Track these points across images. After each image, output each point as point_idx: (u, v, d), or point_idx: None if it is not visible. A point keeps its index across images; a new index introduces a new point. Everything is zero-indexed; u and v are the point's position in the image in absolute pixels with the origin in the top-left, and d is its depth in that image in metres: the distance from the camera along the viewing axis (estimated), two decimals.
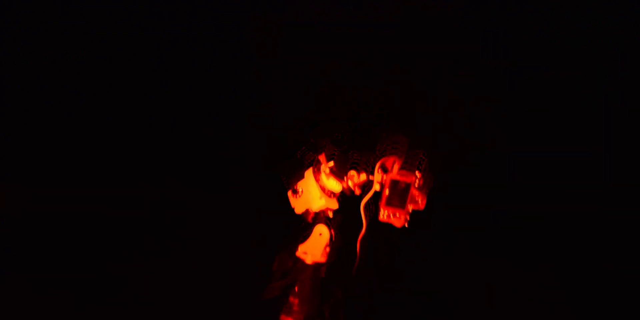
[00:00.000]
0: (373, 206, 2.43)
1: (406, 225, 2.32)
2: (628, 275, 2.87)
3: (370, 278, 2.51)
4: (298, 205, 2.44)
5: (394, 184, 2.32)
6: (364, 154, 2.40)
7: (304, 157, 2.55)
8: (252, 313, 2.69)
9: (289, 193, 2.44)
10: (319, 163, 2.44)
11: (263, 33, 3.20)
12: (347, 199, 2.45)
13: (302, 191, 2.42)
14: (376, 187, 2.37)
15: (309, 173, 2.45)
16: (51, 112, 3.24)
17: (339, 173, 2.38)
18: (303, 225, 2.39)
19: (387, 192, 2.32)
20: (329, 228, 2.33)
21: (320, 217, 2.38)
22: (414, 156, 2.38)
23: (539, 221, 2.99)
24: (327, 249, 2.32)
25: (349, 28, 3.17)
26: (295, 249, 2.34)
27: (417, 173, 2.32)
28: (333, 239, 2.32)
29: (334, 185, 2.42)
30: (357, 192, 2.42)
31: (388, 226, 2.37)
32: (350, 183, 2.38)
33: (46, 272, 3.02)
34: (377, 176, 2.37)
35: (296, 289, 2.26)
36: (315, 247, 2.31)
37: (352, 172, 2.36)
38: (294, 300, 2.25)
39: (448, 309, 2.84)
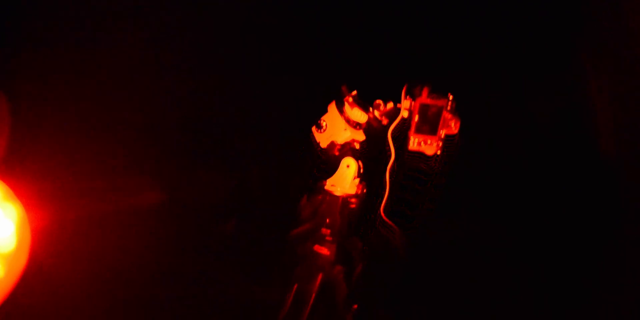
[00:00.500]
0: (402, 134, 2.33)
1: (439, 153, 2.26)
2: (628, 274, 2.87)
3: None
4: (323, 139, 2.38)
5: (424, 108, 2.25)
6: None
7: (304, 157, 2.56)
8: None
9: (313, 128, 2.38)
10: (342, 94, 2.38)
11: (264, 31, 3.28)
12: (373, 129, 2.37)
13: (326, 125, 2.36)
14: (404, 113, 2.31)
15: (332, 106, 2.38)
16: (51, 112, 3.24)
17: (363, 102, 2.35)
18: (328, 159, 2.35)
19: (416, 118, 2.26)
20: (356, 159, 2.29)
21: (346, 149, 2.33)
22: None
23: (538, 221, 3.01)
24: (356, 181, 2.27)
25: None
26: (323, 183, 2.30)
27: (449, 95, 2.26)
28: (361, 171, 2.28)
29: (359, 115, 2.36)
30: (385, 121, 2.37)
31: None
32: (376, 112, 2.36)
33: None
34: (405, 102, 2.31)
35: (327, 220, 2.21)
36: (343, 179, 2.25)
37: (378, 101, 2.34)
38: (326, 231, 2.20)
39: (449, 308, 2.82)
